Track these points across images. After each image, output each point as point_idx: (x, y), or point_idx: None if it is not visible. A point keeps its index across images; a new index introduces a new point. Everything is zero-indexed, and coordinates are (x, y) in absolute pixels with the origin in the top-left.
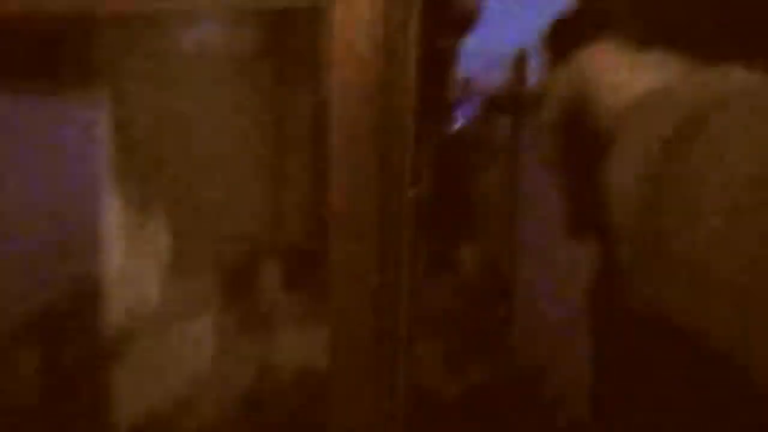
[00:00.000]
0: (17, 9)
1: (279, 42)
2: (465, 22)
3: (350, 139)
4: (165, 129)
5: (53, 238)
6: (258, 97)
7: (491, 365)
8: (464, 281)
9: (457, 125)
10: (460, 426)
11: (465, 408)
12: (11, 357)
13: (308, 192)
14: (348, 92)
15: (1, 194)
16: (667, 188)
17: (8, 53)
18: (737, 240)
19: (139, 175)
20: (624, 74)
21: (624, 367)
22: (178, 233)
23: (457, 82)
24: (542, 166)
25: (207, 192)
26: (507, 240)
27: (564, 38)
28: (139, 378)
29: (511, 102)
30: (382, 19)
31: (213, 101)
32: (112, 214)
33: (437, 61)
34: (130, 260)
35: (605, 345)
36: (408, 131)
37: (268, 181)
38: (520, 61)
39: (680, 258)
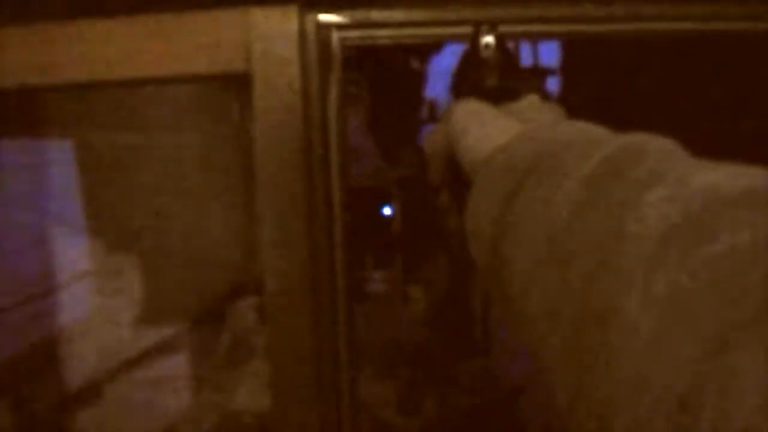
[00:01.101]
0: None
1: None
2: None
3: (276, 202)
4: (135, 172)
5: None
6: (221, 146)
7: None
8: (433, 303)
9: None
10: None
11: None
12: None
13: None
14: (270, 153)
15: None
16: (504, 235)
17: None
18: (538, 280)
19: (112, 222)
20: (480, 130)
21: None
22: (150, 275)
23: (424, 104)
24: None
25: (178, 233)
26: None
27: (458, 85)
28: (113, 420)
29: None
30: (300, 85)
31: (179, 147)
32: (84, 258)
33: (406, 83)
34: (104, 303)
35: None
36: (333, 197)
37: (239, 219)
38: None
39: (507, 288)
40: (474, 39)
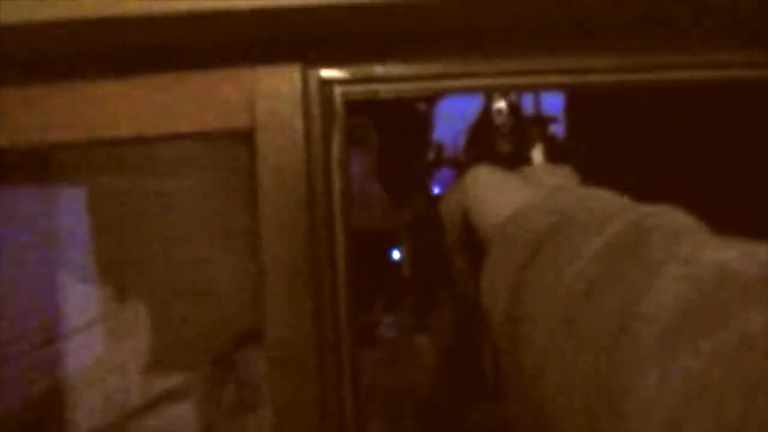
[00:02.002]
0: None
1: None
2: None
3: (279, 256)
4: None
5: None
6: (228, 191)
7: None
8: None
9: (436, 190)
10: None
11: None
12: None
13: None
14: (275, 212)
15: None
16: (518, 309)
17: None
18: (553, 357)
19: (118, 267)
20: (495, 197)
21: None
22: (159, 323)
23: (432, 146)
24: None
25: (185, 282)
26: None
27: (472, 149)
28: None
29: None
30: (303, 140)
31: (186, 196)
32: (93, 304)
33: (413, 126)
34: (112, 350)
35: None
36: (337, 249)
37: (249, 265)
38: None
39: (523, 362)
40: (486, 105)
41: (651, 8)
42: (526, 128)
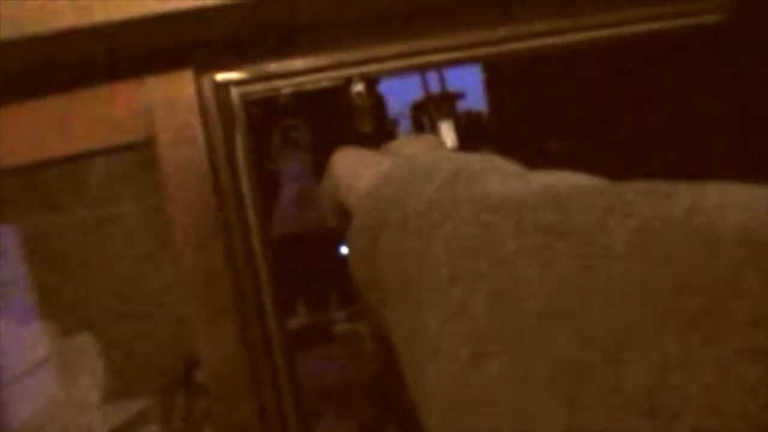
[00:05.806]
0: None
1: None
2: None
3: (195, 264)
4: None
5: None
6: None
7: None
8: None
9: None
10: None
11: None
12: None
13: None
14: (184, 225)
15: None
16: (374, 273)
17: None
18: (397, 317)
19: (66, 303)
20: (355, 174)
21: None
22: (113, 351)
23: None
24: None
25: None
26: None
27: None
28: None
29: None
30: (205, 146)
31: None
32: (43, 344)
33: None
34: (68, 386)
35: None
36: (256, 254)
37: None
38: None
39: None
40: (345, 90)
41: None
42: (434, 105)
